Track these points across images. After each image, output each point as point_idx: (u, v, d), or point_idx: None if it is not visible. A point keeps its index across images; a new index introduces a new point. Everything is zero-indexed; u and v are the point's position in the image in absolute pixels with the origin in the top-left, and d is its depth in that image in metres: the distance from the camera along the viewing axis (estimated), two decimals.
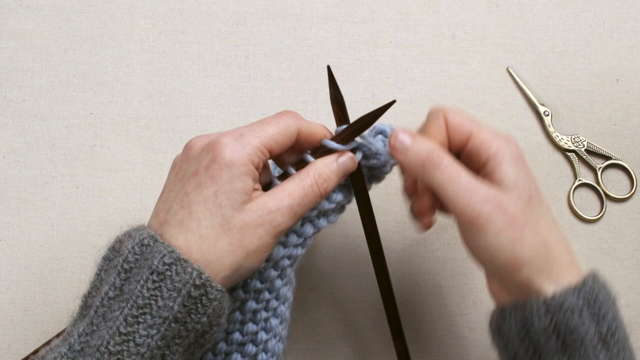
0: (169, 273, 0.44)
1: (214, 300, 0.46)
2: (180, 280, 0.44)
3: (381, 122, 0.55)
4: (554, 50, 0.74)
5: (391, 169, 0.56)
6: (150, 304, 0.44)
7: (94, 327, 0.45)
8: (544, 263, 0.48)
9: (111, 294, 0.46)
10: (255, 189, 0.49)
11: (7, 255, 0.69)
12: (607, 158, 0.72)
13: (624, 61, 0.74)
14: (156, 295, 0.44)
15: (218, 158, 0.47)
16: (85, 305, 0.47)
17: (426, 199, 0.54)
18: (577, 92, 0.73)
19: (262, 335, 0.52)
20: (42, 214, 0.70)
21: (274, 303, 0.53)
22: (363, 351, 0.68)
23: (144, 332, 0.44)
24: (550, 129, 0.72)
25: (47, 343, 0.61)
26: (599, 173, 0.71)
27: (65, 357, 0.45)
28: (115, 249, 0.48)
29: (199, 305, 0.45)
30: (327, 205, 0.53)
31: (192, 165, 0.48)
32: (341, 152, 0.53)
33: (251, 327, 0.52)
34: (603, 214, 0.71)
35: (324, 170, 0.51)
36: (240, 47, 0.74)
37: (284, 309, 0.54)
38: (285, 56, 0.74)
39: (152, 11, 0.74)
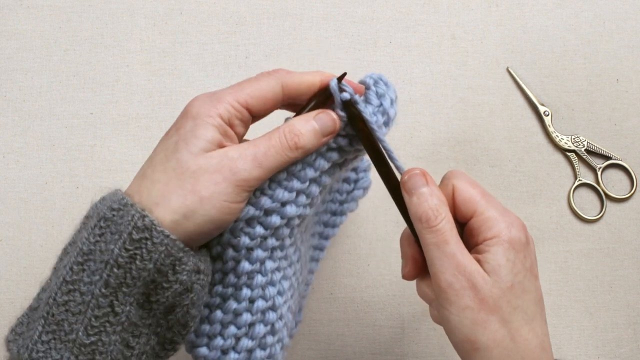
0: (115, 218, 0.44)
1: (159, 245, 0.43)
2: (122, 223, 0.44)
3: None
4: (554, 50, 0.74)
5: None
6: (94, 250, 0.44)
7: (49, 282, 0.45)
8: (504, 354, 0.47)
9: (68, 248, 0.46)
10: (224, 145, 0.47)
11: (7, 255, 0.69)
12: (607, 158, 0.72)
13: (624, 61, 0.74)
14: (101, 242, 0.44)
15: (187, 113, 0.48)
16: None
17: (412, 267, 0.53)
18: (577, 92, 0.73)
19: (279, 301, 0.51)
20: (42, 214, 0.70)
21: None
22: (363, 351, 0.68)
23: (87, 279, 0.43)
24: (550, 129, 0.72)
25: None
26: (599, 173, 0.71)
27: (25, 316, 0.46)
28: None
29: (143, 250, 0.43)
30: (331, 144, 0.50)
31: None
32: (321, 110, 0.50)
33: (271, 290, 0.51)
34: (603, 214, 0.71)
35: (296, 126, 0.49)
36: (240, 47, 0.74)
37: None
38: (285, 56, 0.74)
39: (152, 11, 0.74)
